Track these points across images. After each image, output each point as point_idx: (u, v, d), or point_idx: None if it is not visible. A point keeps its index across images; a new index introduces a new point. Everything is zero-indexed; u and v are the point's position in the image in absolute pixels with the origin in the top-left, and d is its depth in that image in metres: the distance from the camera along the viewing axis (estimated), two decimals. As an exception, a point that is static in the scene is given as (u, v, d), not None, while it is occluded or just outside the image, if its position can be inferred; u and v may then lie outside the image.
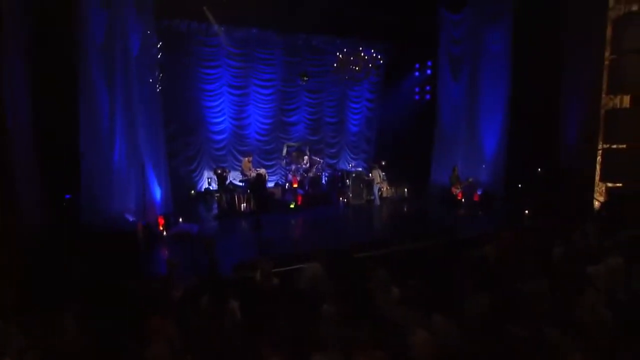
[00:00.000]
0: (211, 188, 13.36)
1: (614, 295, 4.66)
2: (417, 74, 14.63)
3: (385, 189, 12.49)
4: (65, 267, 5.32)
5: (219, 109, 13.69)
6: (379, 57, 10.84)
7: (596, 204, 10.24)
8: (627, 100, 10.11)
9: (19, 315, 4.41)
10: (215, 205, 11.92)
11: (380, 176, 11.88)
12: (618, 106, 10.14)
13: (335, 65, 11.56)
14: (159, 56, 10.01)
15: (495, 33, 11.61)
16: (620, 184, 10.11)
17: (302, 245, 7.99)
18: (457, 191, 10.35)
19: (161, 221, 8.69)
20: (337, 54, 11.14)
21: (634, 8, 9.85)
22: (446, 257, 6.53)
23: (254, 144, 14.43)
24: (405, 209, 11.53)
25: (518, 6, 11.03)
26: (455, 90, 12.58)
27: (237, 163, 14.04)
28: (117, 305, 4.74)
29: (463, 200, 10.81)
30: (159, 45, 9.99)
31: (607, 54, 10.07)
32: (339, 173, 12.36)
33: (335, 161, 15.71)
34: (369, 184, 12.85)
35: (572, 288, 5.00)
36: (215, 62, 13.28)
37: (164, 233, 8.46)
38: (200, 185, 13.55)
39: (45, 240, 6.05)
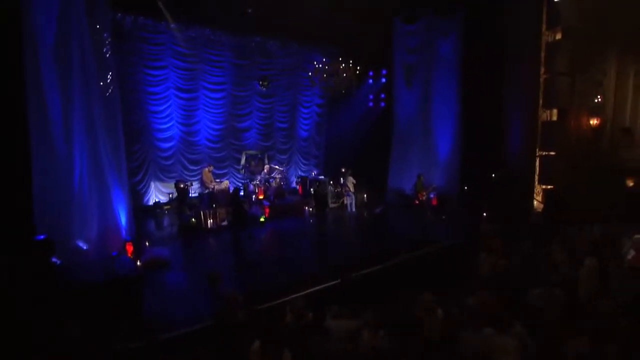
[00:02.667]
0: (161, 201, 12.07)
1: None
2: (370, 81, 14.98)
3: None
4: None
5: (165, 114, 12.38)
6: (358, 68, 10.79)
7: (536, 204, 11.68)
8: (555, 113, 11.72)
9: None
10: (166, 222, 10.90)
11: (353, 183, 11.93)
12: (549, 118, 11.69)
13: (310, 74, 11.22)
14: (108, 55, 8.65)
15: (446, 45, 12.39)
16: (552, 186, 11.68)
17: (300, 268, 7.63)
18: (422, 198, 10.90)
19: (130, 248, 7.55)
20: (315, 63, 10.80)
21: (558, 37, 11.45)
22: (452, 268, 6.79)
23: (205, 151, 13.40)
24: (379, 217, 11.69)
25: (466, 24, 12.01)
26: (410, 97, 13.14)
27: (187, 173, 12.90)
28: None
29: (425, 206, 11.39)
30: (107, 42, 8.63)
31: (542, 72, 11.50)
32: (298, 179, 12.09)
33: (287, 167, 15.39)
34: (328, 192, 12.87)
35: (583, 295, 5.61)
36: (161, 63, 11.98)
37: (138, 262, 7.35)
38: (146, 198, 12.14)
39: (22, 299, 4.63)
